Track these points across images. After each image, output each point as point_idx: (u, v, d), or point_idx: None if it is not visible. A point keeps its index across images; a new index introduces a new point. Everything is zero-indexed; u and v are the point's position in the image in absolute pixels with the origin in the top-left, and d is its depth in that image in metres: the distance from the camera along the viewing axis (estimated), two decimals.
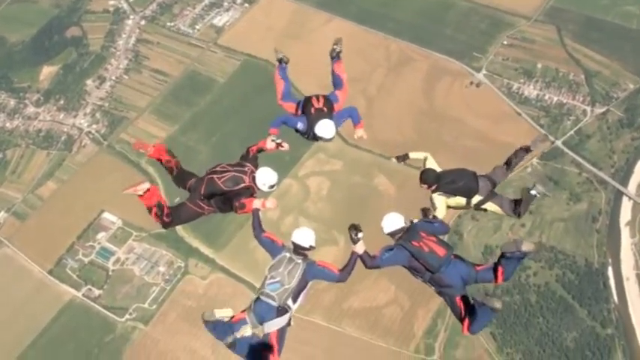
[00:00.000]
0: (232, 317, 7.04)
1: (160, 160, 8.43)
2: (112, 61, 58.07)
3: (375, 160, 48.22)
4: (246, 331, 6.76)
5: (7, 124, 55.65)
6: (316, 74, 55.58)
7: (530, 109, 50.48)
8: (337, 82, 9.29)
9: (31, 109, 56.15)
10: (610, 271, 42.78)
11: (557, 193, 45.61)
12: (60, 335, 44.77)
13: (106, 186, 49.90)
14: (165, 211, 7.94)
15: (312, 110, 8.55)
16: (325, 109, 8.58)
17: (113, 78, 57.07)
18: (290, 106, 8.98)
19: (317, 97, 8.69)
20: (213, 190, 7.76)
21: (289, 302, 6.99)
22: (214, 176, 7.78)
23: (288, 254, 7.16)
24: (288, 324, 7.12)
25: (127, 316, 45.00)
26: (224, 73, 55.97)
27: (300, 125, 8.60)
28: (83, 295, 46.38)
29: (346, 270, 7.21)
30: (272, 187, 7.99)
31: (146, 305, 45.25)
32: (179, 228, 47.07)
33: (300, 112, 8.73)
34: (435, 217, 7.89)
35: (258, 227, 7.53)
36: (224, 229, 46.37)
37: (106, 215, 49.23)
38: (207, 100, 54.38)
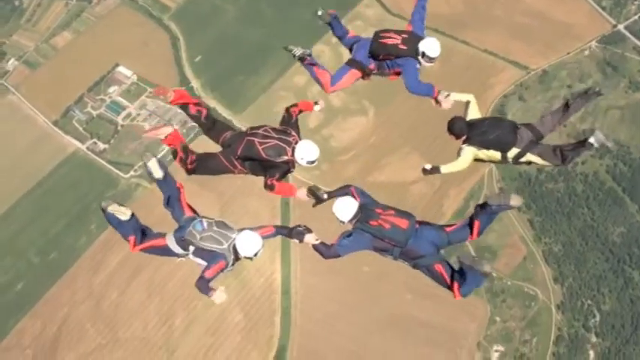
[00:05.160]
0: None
1: (186, 104, 7.25)
2: None
3: None
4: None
5: None
6: None
7: None
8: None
9: None
10: None
11: (615, 79, 41.84)
12: (59, 186, 42.83)
13: (124, 39, 47.16)
14: (191, 157, 7.08)
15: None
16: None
17: None
18: (350, 75, 8.08)
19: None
20: (251, 154, 6.95)
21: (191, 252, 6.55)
22: (255, 140, 6.93)
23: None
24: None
25: (132, 172, 42.67)
26: None
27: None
28: (88, 148, 44.28)
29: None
30: (311, 162, 7.06)
31: None
32: (197, 86, 44.00)
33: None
34: (318, 188, 7.10)
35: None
36: (245, 92, 43.75)
37: (121, 69, 46.15)
38: None
